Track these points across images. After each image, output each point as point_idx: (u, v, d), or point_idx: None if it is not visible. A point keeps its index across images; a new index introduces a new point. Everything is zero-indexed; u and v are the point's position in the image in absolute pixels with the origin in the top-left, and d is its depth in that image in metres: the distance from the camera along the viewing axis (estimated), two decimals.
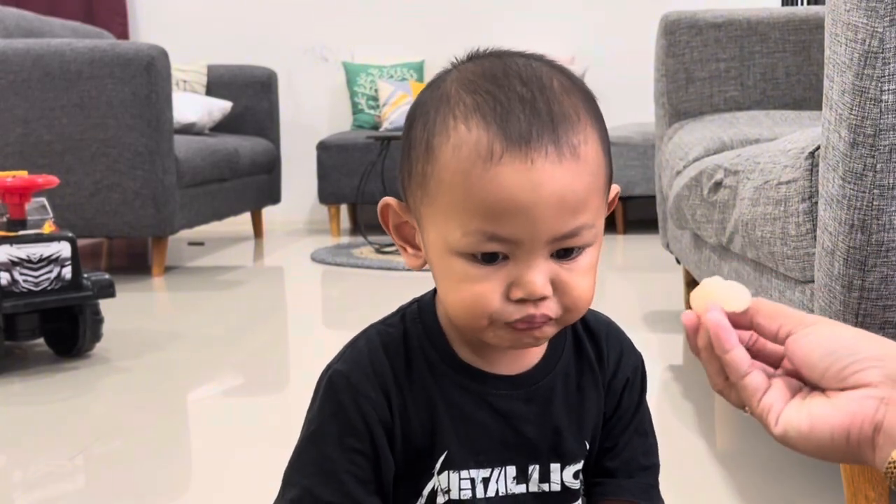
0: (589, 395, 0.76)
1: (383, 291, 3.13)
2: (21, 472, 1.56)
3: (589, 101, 0.67)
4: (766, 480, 1.42)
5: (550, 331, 0.67)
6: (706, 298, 0.65)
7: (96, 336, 2.17)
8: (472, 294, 0.65)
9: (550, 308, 0.65)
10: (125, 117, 3.17)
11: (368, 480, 0.69)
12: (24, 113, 3.17)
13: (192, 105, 3.98)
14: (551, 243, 0.64)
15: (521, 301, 0.64)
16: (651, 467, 0.80)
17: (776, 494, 1.37)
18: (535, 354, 0.74)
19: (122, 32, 5.01)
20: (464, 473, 0.71)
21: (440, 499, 0.71)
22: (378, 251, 3.81)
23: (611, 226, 4.50)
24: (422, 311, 0.75)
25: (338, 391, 0.70)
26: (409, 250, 0.72)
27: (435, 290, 0.75)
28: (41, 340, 2.22)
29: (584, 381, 0.76)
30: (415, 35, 5.01)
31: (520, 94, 0.64)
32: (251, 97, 4.52)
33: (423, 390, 0.71)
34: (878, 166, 0.98)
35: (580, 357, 0.76)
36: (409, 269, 3.34)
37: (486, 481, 0.72)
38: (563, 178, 0.63)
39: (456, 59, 0.71)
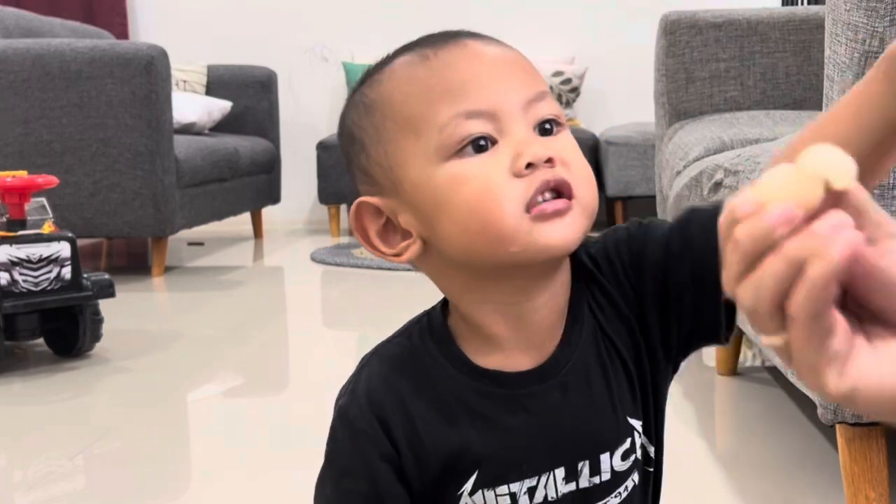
0: (625, 342, 0.66)
1: (383, 291, 3.13)
2: (21, 472, 1.56)
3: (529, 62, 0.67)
4: (766, 480, 1.42)
5: (578, 215, 0.60)
6: (815, 178, 0.40)
7: (96, 336, 2.17)
8: (478, 186, 0.59)
9: (562, 173, 0.60)
10: (125, 117, 3.17)
11: None
12: (24, 113, 3.17)
13: (191, 105, 3.98)
14: (527, 110, 0.62)
15: (529, 171, 0.59)
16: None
17: (776, 494, 1.37)
18: (553, 336, 0.66)
19: (122, 32, 5.01)
20: (501, 489, 0.64)
21: None
22: None
23: (611, 226, 4.50)
24: (431, 324, 0.68)
25: (336, 429, 0.67)
26: (403, 244, 0.65)
27: (444, 302, 0.69)
28: (41, 340, 2.22)
29: (610, 329, 0.66)
30: (415, 35, 4.97)
31: (445, 33, 0.66)
32: (251, 97, 4.52)
33: (439, 408, 0.65)
34: None
35: (601, 304, 0.67)
36: (409, 270, 3.34)
37: (531, 491, 0.64)
38: (499, 49, 0.64)
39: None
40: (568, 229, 0.60)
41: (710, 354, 2.11)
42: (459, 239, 0.61)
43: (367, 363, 0.68)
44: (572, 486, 0.65)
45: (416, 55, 0.64)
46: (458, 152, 0.60)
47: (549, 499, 0.65)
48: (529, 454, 0.64)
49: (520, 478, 0.64)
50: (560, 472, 0.65)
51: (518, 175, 0.59)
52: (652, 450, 0.69)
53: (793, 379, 1.26)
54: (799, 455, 1.50)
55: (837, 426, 1.16)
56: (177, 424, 1.83)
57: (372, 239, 0.66)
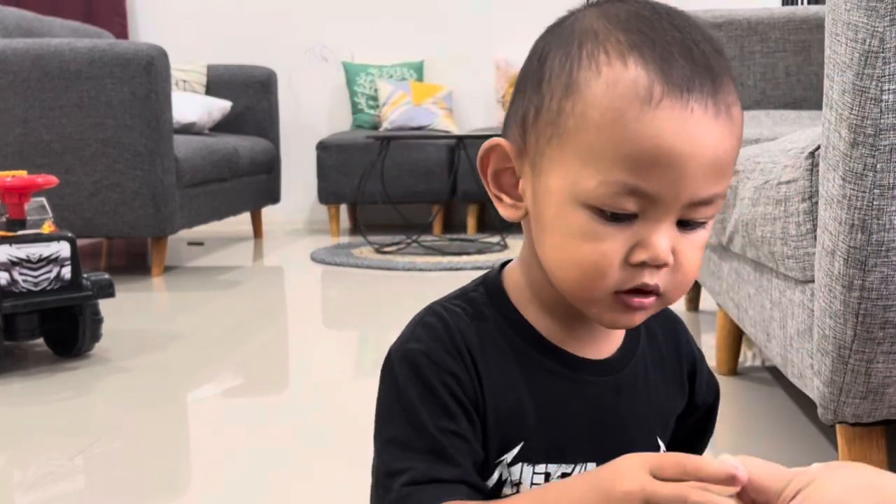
0: (660, 385, 0.71)
1: (383, 291, 3.13)
2: (21, 472, 1.56)
3: (729, 66, 0.63)
4: None
5: (653, 311, 0.63)
6: None
7: (96, 336, 2.17)
8: (592, 254, 0.59)
9: (663, 279, 0.60)
10: (125, 117, 3.17)
11: (472, 459, 0.63)
12: (24, 113, 3.17)
13: (191, 105, 3.98)
14: (686, 207, 0.59)
15: (640, 266, 0.60)
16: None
17: None
18: (616, 338, 0.69)
19: (122, 32, 5.01)
20: (539, 467, 0.65)
21: (507, 490, 0.65)
22: (378, 251, 3.81)
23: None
24: (489, 290, 0.68)
25: (423, 370, 0.63)
26: (507, 200, 0.65)
27: (500, 268, 0.69)
28: (41, 340, 2.22)
29: (656, 371, 0.71)
30: (415, 35, 5.01)
31: (675, 38, 0.59)
32: (251, 97, 4.52)
33: (502, 369, 0.65)
34: (879, 166, 0.98)
35: (654, 348, 0.71)
36: (409, 269, 3.35)
37: (564, 476, 0.65)
38: (718, 135, 0.59)
39: (587, 1, 0.65)
40: (638, 318, 0.63)
41: (710, 354, 2.11)
42: (551, 264, 0.63)
43: (433, 313, 0.66)
44: None
45: (646, 81, 0.58)
46: (598, 210, 0.60)
47: None
48: (573, 440, 0.65)
49: (559, 461, 0.65)
50: (591, 467, 0.66)
51: (629, 262, 0.60)
52: None
53: (793, 379, 1.26)
54: (799, 455, 1.50)
55: (837, 426, 1.16)
56: (177, 424, 1.83)
57: (488, 174, 0.66)
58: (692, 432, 0.77)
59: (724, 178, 0.60)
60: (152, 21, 5.13)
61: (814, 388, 1.14)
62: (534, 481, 0.65)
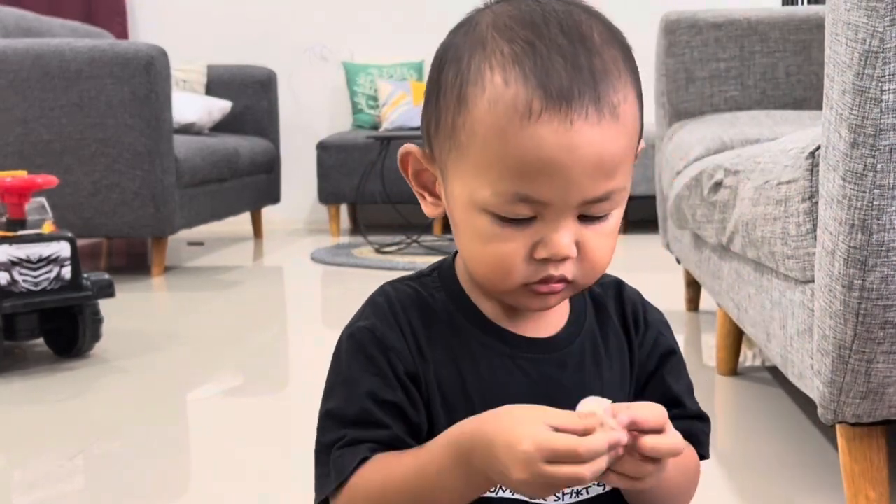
0: (615, 358, 0.72)
1: None
2: (21, 472, 1.56)
3: (627, 53, 0.65)
4: (766, 480, 1.42)
5: (566, 294, 0.66)
6: None
7: (96, 336, 2.17)
8: (496, 254, 0.64)
9: (569, 270, 0.64)
10: (124, 117, 3.17)
11: (406, 425, 0.66)
12: (24, 112, 3.17)
13: (191, 105, 3.98)
14: (581, 206, 0.63)
15: (544, 261, 0.63)
16: (700, 416, 0.76)
17: (776, 494, 1.37)
18: (560, 316, 0.72)
19: (122, 32, 5.01)
20: None
21: None
22: (378, 251, 3.80)
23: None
24: (442, 275, 0.72)
25: (365, 346, 0.67)
26: (428, 198, 0.70)
27: (455, 255, 0.73)
28: (41, 340, 2.22)
29: (609, 344, 0.73)
30: (415, 35, 5.01)
31: (560, 45, 0.61)
32: (251, 97, 4.52)
33: (446, 351, 0.68)
34: (879, 166, 0.98)
35: (601, 318, 0.74)
36: (409, 269, 3.35)
37: None
38: (601, 140, 0.61)
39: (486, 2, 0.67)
40: (552, 301, 0.67)
41: (710, 354, 2.11)
42: (465, 260, 0.68)
43: (382, 292, 0.71)
44: None
45: (524, 91, 0.60)
46: (497, 215, 0.63)
47: None
48: None
49: None
50: None
51: (533, 258, 0.63)
52: None
53: (793, 379, 1.26)
54: (799, 455, 1.50)
55: (837, 426, 1.16)
56: (176, 424, 1.83)
57: (409, 175, 0.71)
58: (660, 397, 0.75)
59: (614, 177, 0.63)
60: (152, 21, 5.13)
61: (814, 388, 1.14)
62: None
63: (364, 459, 0.64)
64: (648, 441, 0.59)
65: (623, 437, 0.58)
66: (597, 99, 0.61)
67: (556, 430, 0.57)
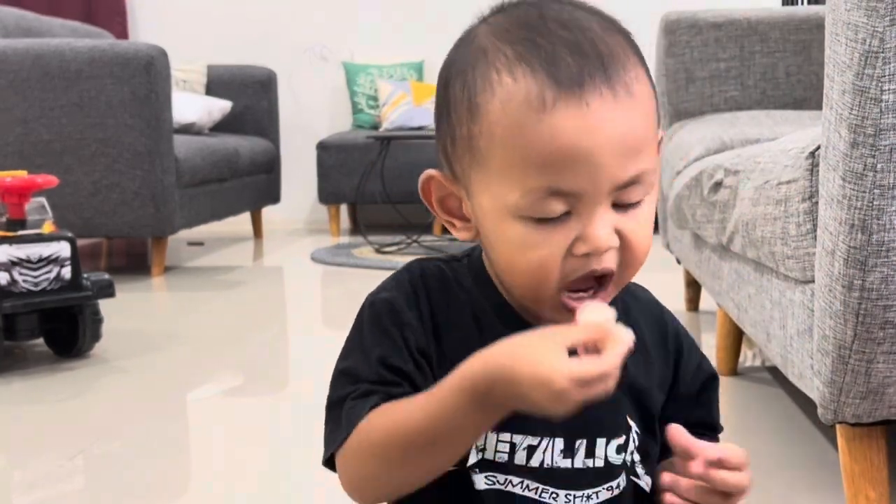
0: (638, 370, 0.72)
1: None
2: (21, 472, 1.56)
3: (630, 39, 0.65)
4: (766, 480, 1.42)
5: (611, 291, 0.65)
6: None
7: (96, 336, 2.17)
8: (534, 260, 0.62)
9: (611, 261, 0.63)
10: (124, 117, 3.17)
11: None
12: (24, 112, 3.17)
13: (191, 105, 3.97)
14: (614, 192, 0.62)
15: (585, 256, 0.62)
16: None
17: (776, 494, 1.37)
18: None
19: (122, 32, 5.01)
20: (503, 436, 0.66)
21: (473, 456, 0.67)
22: (378, 251, 3.81)
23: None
24: (472, 262, 0.71)
25: (382, 317, 0.67)
26: (458, 224, 0.69)
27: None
28: (41, 340, 2.22)
29: (634, 358, 0.70)
30: (415, 35, 5.01)
31: (562, 37, 0.61)
32: (251, 97, 4.52)
33: (463, 336, 0.67)
34: (879, 166, 0.98)
35: (632, 327, 0.73)
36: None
37: (531, 449, 0.67)
38: (621, 118, 0.61)
39: (482, 12, 0.67)
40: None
41: (710, 354, 2.11)
42: (502, 274, 0.67)
43: (407, 269, 0.70)
44: (568, 463, 0.68)
45: (534, 85, 0.60)
46: (530, 218, 0.62)
47: (545, 465, 0.67)
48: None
49: (523, 431, 0.66)
50: (559, 444, 0.67)
51: (573, 255, 0.62)
52: (641, 471, 0.72)
53: (793, 379, 1.26)
54: (799, 455, 1.50)
55: (837, 426, 1.16)
56: (176, 424, 1.83)
57: (433, 203, 0.70)
58: (688, 426, 0.77)
59: (640, 157, 0.62)
60: (152, 21, 5.13)
61: (814, 388, 1.14)
62: (498, 448, 0.67)
63: (374, 406, 0.64)
64: (722, 474, 0.63)
65: (631, 338, 0.59)
66: (608, 79, 0.61)
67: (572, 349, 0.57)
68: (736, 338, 1.91)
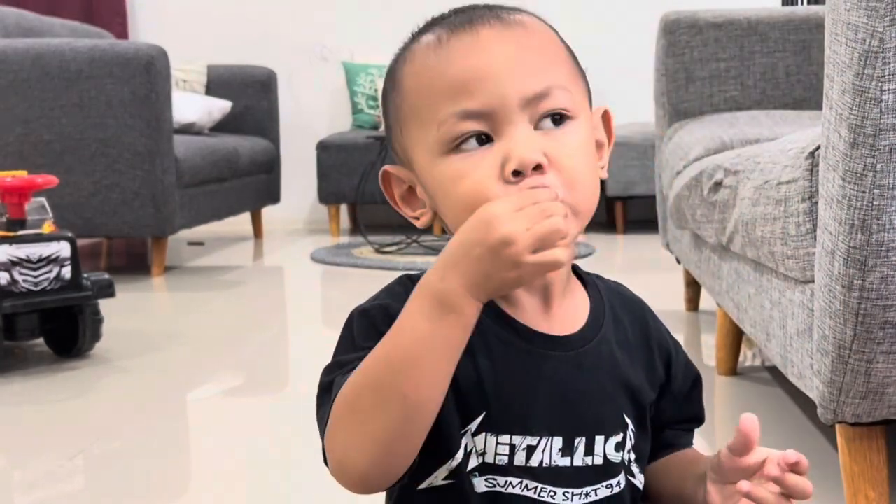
0: (627, 366, 0.73)
1: None
2: (21, 472, 1.56)
3: (551, 29, 0.69)
4: None
5: (573, 229, 0.63)
6: None
7: (96, 336, 2.17)
8: (469, 187, 0.63)
9: (551, 181, 0.63)
10: (125, 117, 3.17)
11: None
12: (24, 113, 3.17)
13: (191, 105, 3.97)
14: (526, 107, 0.64)
15: (518, 175, 0.62)
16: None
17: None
18: (579, 317, 0.71)
19: (122, 32, 5.01)
20: (503, 438, 0.67)
21: (473, 461, 0.67)
22: (378, 251, 3.81)
23: (611, 226, 4.50)
24: None
25: (378, 322, 0.66)
26: (419, 212, 0.72)
27: None
28: (41, 340, 2.22)
29: (622, 352, 0.73)
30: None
31: (466, 13, 0.67)
32: (251, 97, 4.52)
33: None
34: (879, 166, 0.98)
35: (620, 331, 0.74)
36: (409, 269, 3.34)
37: (530, 449, 0.67)
38: (511, 38, 0.65)
39: None
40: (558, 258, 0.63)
41: (710, 354, 2.11)
42: (455, 224, 0.66)
43: (398, 281, 0.71)
44: (567, 462, 0.68)
45: (434, 37, 0.67)
46: (456, 148, 0.64)
47: (544, 465, 0.67)
48: (534, 411, 0.67)
49: (522, 433, 0.67)
50: (558, 442, 0.68)
51: (507, 181, 0.62)
52: (636, 469, 0.73)
53: (793, 379, 1.26)
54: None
55: (837, 426, 1.16)
56: (177, 424, 1.83)
57: (397, 201, 0.73)
58: (676, 424, 0.80)
59: (544, 72, 0.65)
60: (152, 21, 5.13)
61: (814, 388, 1.14)
62: (498, 451, 0.67)
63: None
64: (794, 478, 0.65)
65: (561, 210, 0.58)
66: (498, 16, 0.66)
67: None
68: (736, 338, 1.91)
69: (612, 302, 0.75)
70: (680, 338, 2.28)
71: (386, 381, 0.59)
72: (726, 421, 1.74)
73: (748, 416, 0.65)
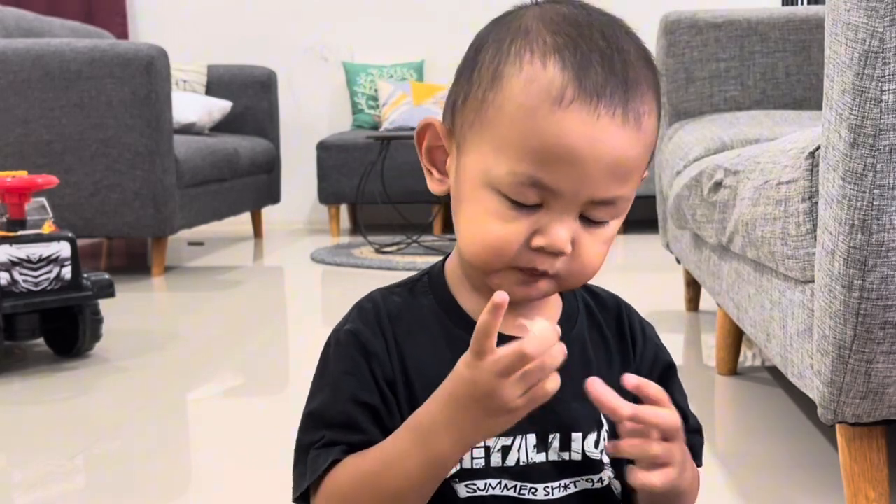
0: (602, 365, 0.73)
1: None
2: (21, 472, 1.56)
3: (656, 77, 0.67)
4: (766, 480, 1.42)
5: (548, 288, 0.67)
6: None
7: (96, 336, 2.17)
8: (497, 234, 0.65)
9: (560, 266, 0.66)
10: (125, 117, 3.17)
11: (382, 430, 0.68)
12: (24, 113, 3.17)
13: (191, 105, 3.98)
14: (587, 204, 0.64)
15: (538, 251, 0.65)
16: (699, 430, 0.79)
17: (776, 494, 1.37)
18: (550, 318, 0.72)
19: (122, 32, 5.01)
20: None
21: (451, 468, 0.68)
22: (378, 251, 3.80)
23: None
24: (432, 280, 0.74)
25: (349, 349, 0.69)
26: (435, 174, 0.72)
27: (444, 259, 0.74)
28: (41, 340, 2.22)
29: (598, 355, 0.74)
30: (415, 35, 5.01)
31: (600, 47, 0.64)
32: (251, 97, 4.52)
33: (432, 357, 0.69)
34: (879, 166, 0.98)
35: (595, 330, 0.75)
36: (409, 269, 3.34)
37: (505, 449, 0.68)
38: (623, 141, 0.63)
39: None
40: (533, 292, 0.68)
41: (710, 354, 2.11)
42: (461, 235, 0.69)
43: (370, 299, 0.72)
44: (542, 457, 0.69)
45: (560, 78, 0.63)
46: (506, 196, 0.65)
47: (521, 463, 0.69)
48: None
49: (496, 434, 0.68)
50: (532, 439, 0.69)
51: (529, 246, 0.65)
52: (611, 474, 0.72)
53: (793, 379, 1.26)
54: (799, 455, 1.50)
55: (837, 426, 1.16)
56: (177, 424, 1.83)
57: (422, 149, 0.72)
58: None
59: (626, 183, 0.65)
60: (152, 21, 5.13)
61: (814, 388, 1.14)
62: (474, 455, 0.68)
63: (335, 462, 0.66)
64: (650, 409, 0.64)
65: (557, 338, 0.61)
66: (626, 102, 0.63)
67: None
68: (736, 338, 1.91)
69: (587, 302, 0.76)
70: (680, 338, 2.29)
71: (379, 498, 0.65)
72: (726, 421, 1.74)
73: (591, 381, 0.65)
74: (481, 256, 0.66)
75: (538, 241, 0.64)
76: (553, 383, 0.61)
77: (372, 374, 0.68)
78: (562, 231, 0.64)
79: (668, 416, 0.65)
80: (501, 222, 0.65)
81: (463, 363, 0.62)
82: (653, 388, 0.65)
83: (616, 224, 0.68)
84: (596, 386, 0.63)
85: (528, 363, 0.59)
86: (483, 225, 0.66)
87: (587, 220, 0.66)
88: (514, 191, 0.64)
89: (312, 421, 0.69)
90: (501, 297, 0.60)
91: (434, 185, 0.72)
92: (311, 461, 0.67)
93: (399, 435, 0.65)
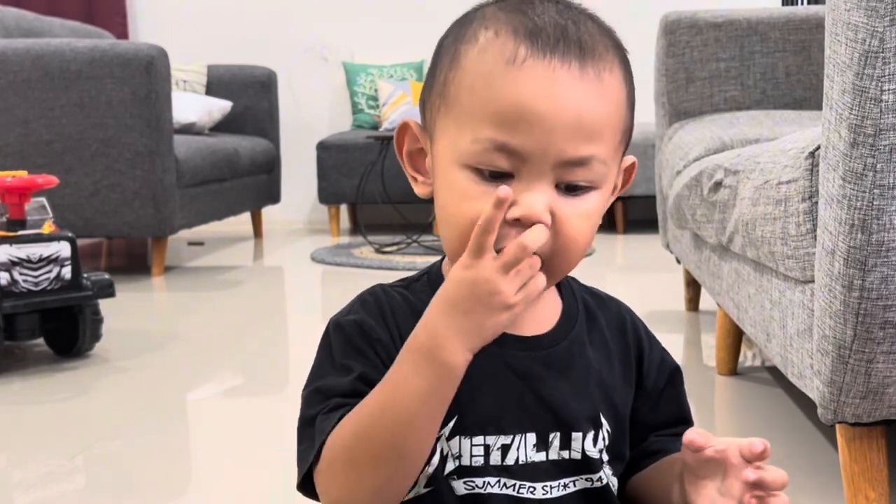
0: (603, 365, 0.73)
1: None
2: (21, 472, 1.56)
3: (620, 51, 0.67)
4: None
5: (540, 281, 0.64)
6: None
7: (96, 336, 2.17)
8: (469, 211, 0.63)
9: (540, 239, 0.63)
10: (125, 117, 3.17)
11: None
12: (24, 113, 3.17)
13: (191, 105, 3.98)
14: (558, 167, 0.63)
15: (516, 223, 0.62)
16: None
17: None
18: (549, 318, 0.72)
19: (122, 32, 5.01)
20: (477, 440, 0.68)
21: (450, 464, 0.68)
22: (378, 251, 3.81)
23: (611, 226, 4.50)
24: (431, 278, 0.74)
25: (354, 338, 0.68)
26: (419, 178, 0.71)
27: (443, 259, 0.74)
28: (41, 340, 2.22)
29: (597, 352, 0.74)
30: (415, 35, 5.00)
31: (554, 19, 0.64)
32: (251, 97, 4.52)
33: None
34: (879, 166, 0.98)
35: (595, 330, 0.74)
36: (409, 269, 3.34)
37: (505, 448, 0.68)
38: (582, 96, 0.62)
39: None
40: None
41: (710, 354, 2.11)
42: (439, 225, 0.69)
43: (371, 292, 0.72)
44: (542, 456, 0.69)
45: (512, 41, 0.63)
46: (476, 168, 0.64)
47: (520, 462, 0.68)
48: (508, 412, 0.68)
49: (496, 433, 0.68)
50: (531, 438, 0.69)
51: (505, 220, 0.62)
52: (609, 472, 0.73)
53: (793, 379, 1.26)
54: (799, 455, 1.50)
55: (837, 426, 1.16)
56: (177, 424, 1.83)
57: (403, 154, 0.72)
58: (661, 425, 0.78)
59: (594, 141, 0.63)
60: (152, 21, 5.13)
61: (814, 388, 1.14)
62: (473, 453, 0.68)
63: (342, 417, 0.65)
64: (771, 475, 0.69)
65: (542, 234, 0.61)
66: (581, 58, 0.63)
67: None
68: (736, 338, 1.91)
69: (586, 303, 0.75)
70: (680, 338, 2.29)
71: (381, 438, 0.62)
72: (726, 421, 1.74)
73: (692, 433, 0.65)
74: (459, 240, 0.64)
75: (513, 212, 0.62)
76: (542, 279, 0.61)
77: (379, 358, 0.67)
78: (535, 197, 0.62)
79: (782, 479, 0.68)
80: (473, 200, 0.63)
81: (459, 266, 0.61)
82: (767, 448, 0.67)
83: (597, 198, 0.66)
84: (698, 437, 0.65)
85: (527, 256, 0.59)
86: (457, 206, 0.64)
87: (564, 190, 0.64)
88: (481, 159, 0.63)
89: (319, 394, 0.68)
90: (505, 191, 0.59)
91: (420, 189, 0.72)
92: (318, 426, 0.66)
93: (400, 360, 0.63)
